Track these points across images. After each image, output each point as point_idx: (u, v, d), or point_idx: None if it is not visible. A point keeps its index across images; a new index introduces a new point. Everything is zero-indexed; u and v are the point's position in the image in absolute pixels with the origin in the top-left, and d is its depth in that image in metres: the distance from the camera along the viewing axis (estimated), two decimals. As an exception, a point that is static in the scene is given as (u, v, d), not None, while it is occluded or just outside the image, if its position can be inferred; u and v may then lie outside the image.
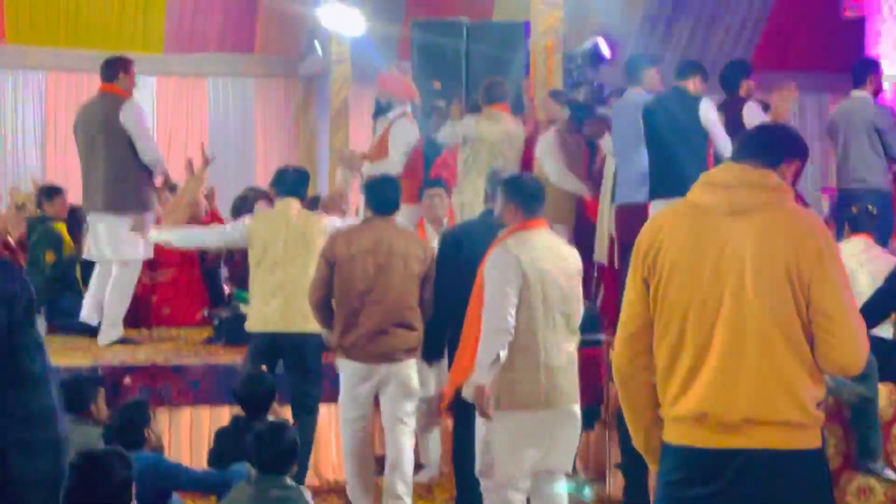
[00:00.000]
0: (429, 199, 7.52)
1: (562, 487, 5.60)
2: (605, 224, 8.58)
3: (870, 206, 7.53)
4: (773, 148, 3.59)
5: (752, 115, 7.84)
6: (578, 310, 5.55)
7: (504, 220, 5.55)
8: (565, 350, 5.42)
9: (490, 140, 8.58)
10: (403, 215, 7.81)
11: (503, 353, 5.24)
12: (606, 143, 8.76)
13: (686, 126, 7.58)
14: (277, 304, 6.87)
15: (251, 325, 6.99)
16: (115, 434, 5.50)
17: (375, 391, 6.54)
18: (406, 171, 8.43)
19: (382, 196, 6.57)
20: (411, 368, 6.53)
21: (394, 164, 8.41)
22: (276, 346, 6.89)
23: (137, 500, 4.98)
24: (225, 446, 6.13)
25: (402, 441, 6.56)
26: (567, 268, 5.47)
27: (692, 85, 7.80)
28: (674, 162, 7.49)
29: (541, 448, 5.40)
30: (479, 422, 5.40)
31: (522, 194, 5.50)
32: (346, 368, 6.52)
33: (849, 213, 7.45)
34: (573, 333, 5.50)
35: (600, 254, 8.64)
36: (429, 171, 9.08)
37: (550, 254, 5.43)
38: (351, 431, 6.58)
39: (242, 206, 9.38)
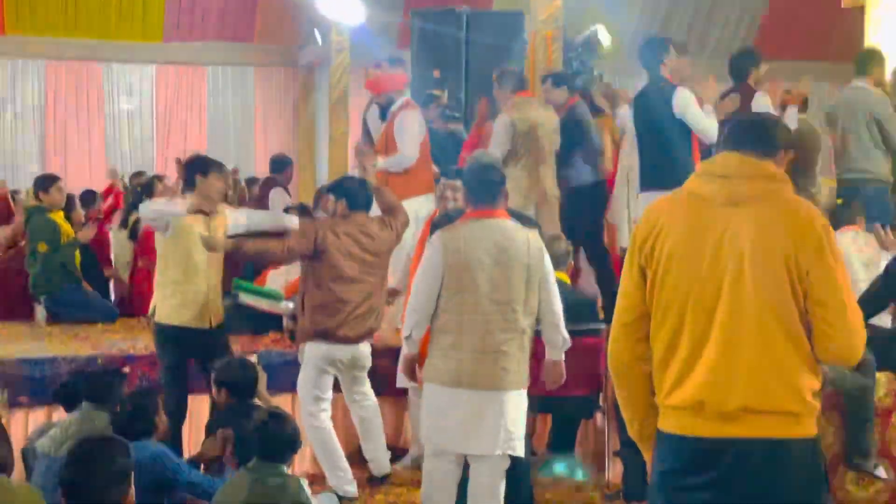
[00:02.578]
0: (441, 191, 7.48)
1: (489, 471, 5.64)
2: (631, 210, 8.58)
3: (838, 200, 7.56)
4: (769, 138, 3.59)
5: (762, 107, 7.84)
6: (521, 299, 5.57)
7: (461, 207, 5.85)
8: (496, 336, 5.50)
9: (523, 129, 8.58)
10: (417, 205, 7.85)
11: (417, 331, 5.61)
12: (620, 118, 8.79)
13: (665, 118, 7.61)
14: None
15: None
16: (126, 422, 5.54)
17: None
18: (416, 161, 8.49)
19: (362, 195, 6.96)
20: (369, 348, 7.01)
21: (407, 157, 8.45)
22: None
23: (140, 489, 5.02)
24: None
25: (373, 413, 7.10)
26: (509, 258, 5.51)
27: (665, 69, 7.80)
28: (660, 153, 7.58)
29: (459, 425, 5.53)
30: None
31: (472, 184, 5.70)
32: (318, 351, 6.79)
33: (834, 206, 7.46)
34: (514, 323, 5.55)
35: (624, 239, 8.70)
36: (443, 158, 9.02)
37: (490, 243, 5.50)
38: (324, 416, 6.87)
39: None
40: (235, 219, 7.22)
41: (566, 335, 5.79)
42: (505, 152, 8.40)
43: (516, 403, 5.59)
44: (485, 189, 5.63)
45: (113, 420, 5.64)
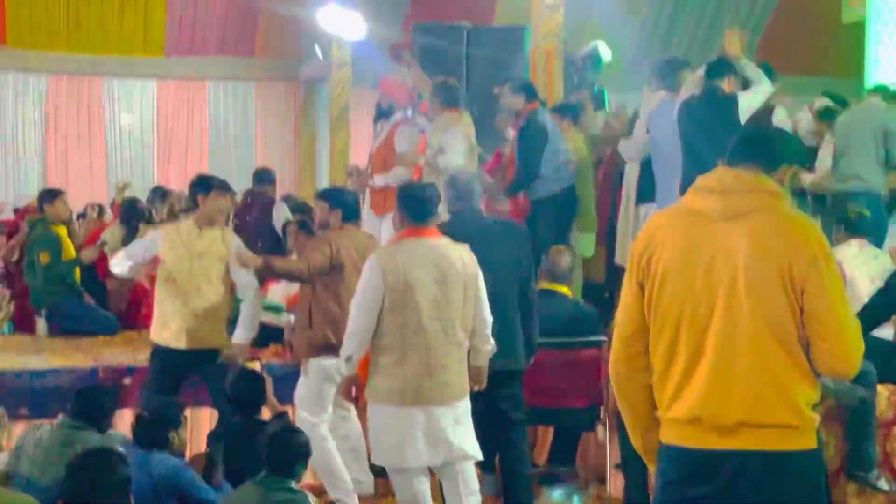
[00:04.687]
0: None
1: (453, 476, 5.73)
2: (630, 227, 8.56)
3: (864, 210, 7.51)
4: (772, 152, 3.59)
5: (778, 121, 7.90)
6: (459, 314, 5.66)
7: (395, 226, 5.85)
8: (438, 353, 5.58)
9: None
10: None
11: (358, 352, 5.64)
12: (626, 147, 8.75)
13: (723, 126, 7.61)
14: None
15: None
16: (145, 431, 5.54)
17: None
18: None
19: (354, 206, 6.98)
20: None
21: (406, 172, 8.44)
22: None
23: (157, 501, 5.01)
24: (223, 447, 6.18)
25: (357, 434, 7.03)
26: (447, 275, 5.59)
27: (727, 85, 7.82)
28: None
29: (409, 440, 5.58)
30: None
31: (409, 203, 5.74)
32: (327, 364, 6.68)
33: (844, 216, 7.39)
34: (454, 338, 5.64)
35: (622, 257, 8.63)
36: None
37: (428, 262, 5.58)
38: (325, 427, 6.78)
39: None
40: (239, 255, 7.04)
41: (493, 343, 5.88)
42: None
43: (463, 411, 5.71)
44: (421, 208, 5.72)
45: (133, 428, 5.64)
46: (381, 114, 9.14)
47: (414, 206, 5.73)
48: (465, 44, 10.89)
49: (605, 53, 11.14)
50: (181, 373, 6.98)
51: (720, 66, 7.88)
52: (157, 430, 5.56)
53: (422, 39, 11.18)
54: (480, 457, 5.79)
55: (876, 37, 10.38)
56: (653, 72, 8.57)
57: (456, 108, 8.49)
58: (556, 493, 7.26)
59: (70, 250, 9.56)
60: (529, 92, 8.79)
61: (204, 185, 7.12)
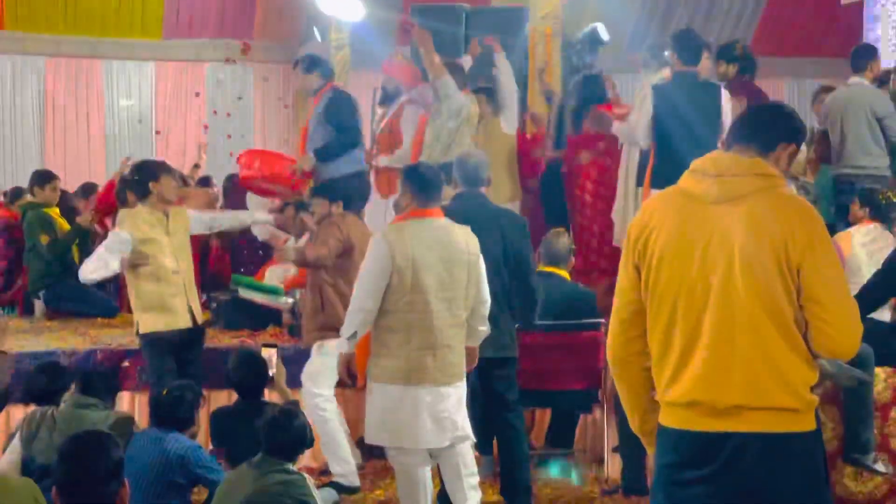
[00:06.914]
0: None
1: (452, 457, 5.78)
2: (631, 208, 8.56)
3: (892, 194, 7.45)
4: (768, 132, 3.56)
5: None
6: (463, 295, 5.69)
7: (401, 205, 5.89)
8: (444, 332, 5.60)
9: (473, 123, 8.61)
10: None
11: (361, 330, 5.63)
12: (619, 130, 8.74)
13: (702, 111, 7.60)
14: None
15: None
16: (166, 408, 5.55)
17: None
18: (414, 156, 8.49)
19: (357, 193, 7.23)
20: None
21: (410, 153, 8.45)
22: None
23: (166, 481, 5.00)
24: (224, 428, 6.18)
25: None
26: (452, 256, 5.63)
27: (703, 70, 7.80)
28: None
29: (411, 421, 5.58)
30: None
31: (417, 183, 5.76)
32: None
33: (870, 197, 7.28)
34: (457, 318, 5.68)
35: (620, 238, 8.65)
36: None
37: (434, 242, 5.61)
38: (334, 406, 6.91)
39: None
40: (199, 218, 7.31)
41: (489, 325, 5.91)
42: None
43: (463, 392, 5.75)
44: (431, 188, 5.76)
45: (154, 406, 5.65)
46: (388, 97, 9.13)
47: (423, 185, 5.75)
48: (463, 25, 10.86)
49: (604, 35, 11.11)
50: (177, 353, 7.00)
51: (695, 49, 7.84)
52: (178, 409, 5.58)
53: (420, 21, 11.13)
54: (474, 438, 5.82)
55: (874, 18, 10.36)
56: (668, 47, 8.36)
57: (464, 90, 8.54)
58: (553, 469, 7.28)
59: (65, 228, 9.58)
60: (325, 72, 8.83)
61: (152, 172, 7.06)
